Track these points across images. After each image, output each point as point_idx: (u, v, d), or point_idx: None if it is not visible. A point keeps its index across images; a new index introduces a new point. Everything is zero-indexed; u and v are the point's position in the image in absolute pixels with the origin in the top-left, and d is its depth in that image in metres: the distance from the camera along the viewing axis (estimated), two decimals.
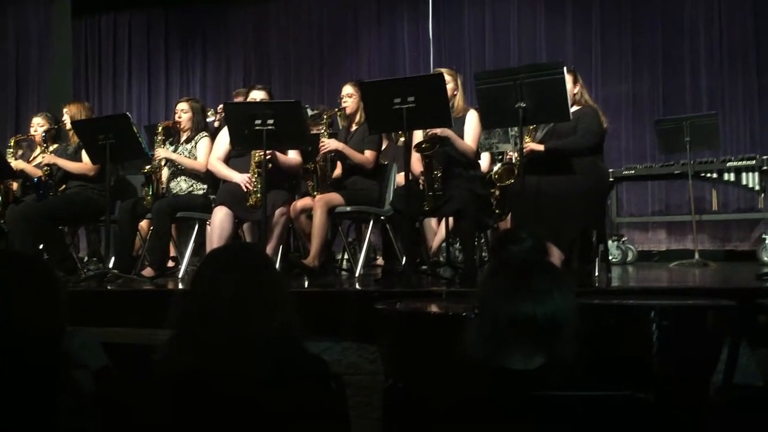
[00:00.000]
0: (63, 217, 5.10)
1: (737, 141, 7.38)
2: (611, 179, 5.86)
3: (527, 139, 4.26)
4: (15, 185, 5.42)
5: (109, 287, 4.43)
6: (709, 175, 6.29)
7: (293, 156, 4.88)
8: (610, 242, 6.02)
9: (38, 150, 5.42)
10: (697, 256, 5.77)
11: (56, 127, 5.39)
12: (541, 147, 4.26)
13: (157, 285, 4.52)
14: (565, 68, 4.00)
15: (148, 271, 4.80)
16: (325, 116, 5.02)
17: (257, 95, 4.95)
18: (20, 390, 1.52)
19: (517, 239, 2.18)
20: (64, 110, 5.30)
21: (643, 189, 7.63)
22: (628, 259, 6.60)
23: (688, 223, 6.62)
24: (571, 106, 4.15)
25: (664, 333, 2.57)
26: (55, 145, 5.34)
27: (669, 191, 7.58)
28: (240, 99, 5.68)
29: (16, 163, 5.28)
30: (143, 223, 5.30)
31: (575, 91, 4.37)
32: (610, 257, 5.32)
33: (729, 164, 6.18)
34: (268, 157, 4.47)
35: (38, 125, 5.41)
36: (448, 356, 1.70)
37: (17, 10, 9.79)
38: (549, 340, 1.57)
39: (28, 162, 5.39)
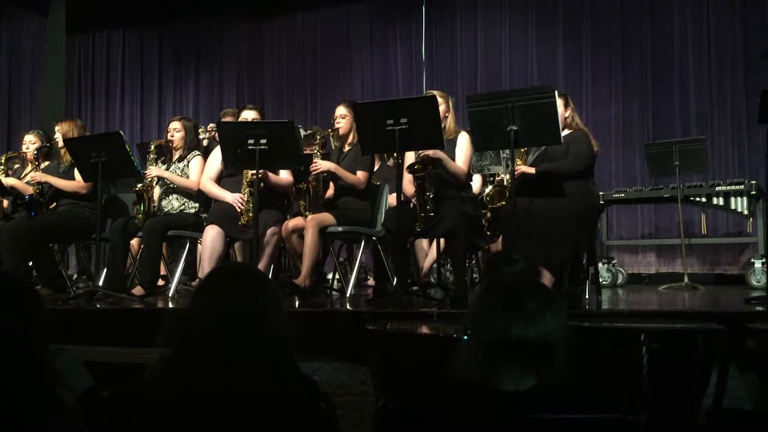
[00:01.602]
0: (54, 234, 5.08)
1: (726, 166, 7.44)
2: (601, 202, 5.90)
3: (518, 161, 4.29)
4: (5, 202, 5.40)
5: (98, 306, 4.41)
6: (698, 199, 6.31)
7: (284, 175, 4.89)
8: (600, 265, 6.04)
9: (30, 167, 5.40)
10: (686, 279, 5.78)
11: (48, 144, 5.37)
12: (532, 170, 4.29)
13: (147, 304, 4.49)
14: (556, 92, 4.04)
15: (138, 290, 4.78)
16: (318, 137, 5.03)
17: (248, 115, 4.95)
18: (5, 410, 1.51)
19: (509, 261, 2.19)
20: (56, 128, 5.30)
21: (633, 212, 7.67)
22: (618, 281, 6.62)
23: (678, 247, 6.65)
24: (562, 129, 4.19)
25: (654, 356, 2.57)
26: (47, 163, 5.33)
27: (658, 215, 7.62)
28: (228, 119, 5.69)
29: (6, 180, 5.26)
30: (134, 242, 5.29)
31: (566, 115, 4.41)
32: (600, 280, 5.34)
33: (718, 188, 6.20)
34: (259, 176, 4.48)
35: (30, 143, 5.39)
36: (439, 377, 1.70)
37: (11, 27, 9.83)
38: (540, 362, 1.57)
39: (20, 179, 5.37)
